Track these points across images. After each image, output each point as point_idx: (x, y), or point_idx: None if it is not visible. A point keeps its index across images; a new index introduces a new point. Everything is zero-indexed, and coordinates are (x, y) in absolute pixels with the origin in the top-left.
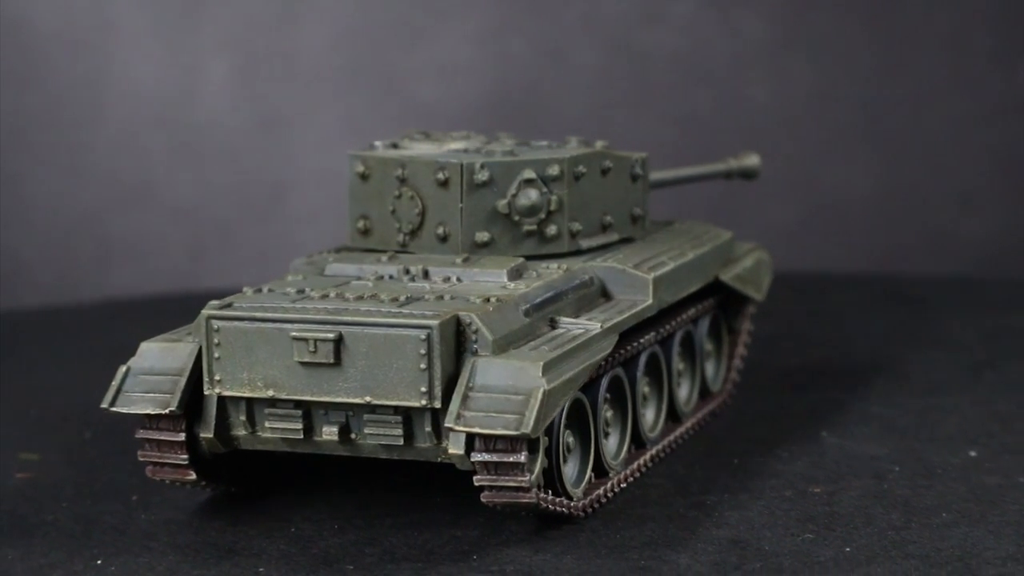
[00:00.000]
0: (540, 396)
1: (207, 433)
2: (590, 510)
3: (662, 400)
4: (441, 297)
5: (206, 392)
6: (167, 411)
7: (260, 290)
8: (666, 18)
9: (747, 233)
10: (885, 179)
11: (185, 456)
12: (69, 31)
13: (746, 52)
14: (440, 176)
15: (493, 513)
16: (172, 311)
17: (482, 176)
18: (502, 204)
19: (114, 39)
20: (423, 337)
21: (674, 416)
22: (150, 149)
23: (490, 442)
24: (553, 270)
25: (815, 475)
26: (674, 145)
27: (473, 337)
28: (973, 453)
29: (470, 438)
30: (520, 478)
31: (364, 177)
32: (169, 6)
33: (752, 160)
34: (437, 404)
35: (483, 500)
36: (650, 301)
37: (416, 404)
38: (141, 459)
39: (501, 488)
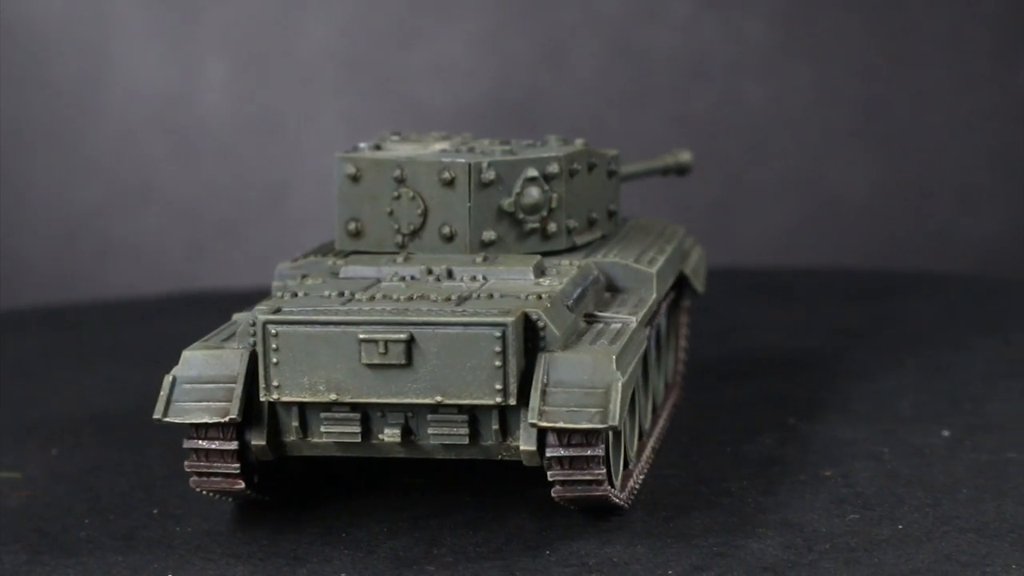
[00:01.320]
0: (620, 388)
1: (259, 440)
2: (631, 501)
3: (648, 392)
4: (491, 296)
5: (262, 398)
6: (227, 419)
7: (296, 294)
8: (666, 18)
9: (747, 232)
10: (884, 179)
11: (237, 465)
12: (69, 31)
13: (746, 52)
14: (446, 176)
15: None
16: (172, 312)
17: (489, 175)
18: (508, 202)
19: (114, 39)
20: (498, 335)
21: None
22: (150, 149)
23: (564, 437)
24: (567, 267)
25: (813, 459)
26: (673, 146)
27: (541, 334)
28: (946, 433)
29: (542, 434)
30: (596, 471)
31: (355, 179)
32: (169, 6)
33: (685, 156)
34: (512, 401)
35: (554, 495)
36: (655, 295)
37: (490, 402)
38: (188, 469)
39: (576, 482)
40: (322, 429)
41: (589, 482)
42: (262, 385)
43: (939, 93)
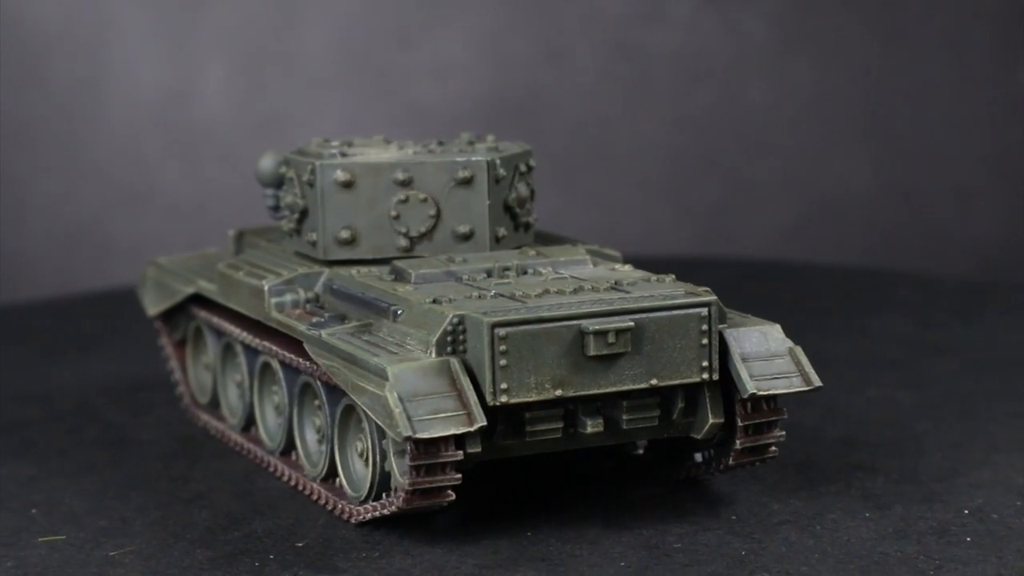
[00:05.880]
0: (802, 352)
1: (475, 448)
2: None
3: None
4: (625, 284)
5: (489, 403)
6: (475, 428)
7: (450, 299)
8: (666, 18)
9: (748, 232)
10: (885, 179)
11: (459, 476)
12: (69, 31)
13: (746, 52)
14: (462, 175)
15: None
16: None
17: (501, 172)
18: (513, 198)
19: (114, 39)
20: (704, 314)
21: None
22: (150, 149)
23: (749, 405)
24: (584, 256)
25: None
26: (674, 145)
27: (715, 311)
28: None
29: (729, 404)
30: (778, 433)
31: (348, 185)
32: (169, 6)
33: None
34: (716, 377)
35: (732, 462)
36: None
37: (697, 379)
38: (411, 488)
39: (758, 447)
40: (527, 428)
41: (770, 445)
42: (488, 390)
43: (939, 93)
